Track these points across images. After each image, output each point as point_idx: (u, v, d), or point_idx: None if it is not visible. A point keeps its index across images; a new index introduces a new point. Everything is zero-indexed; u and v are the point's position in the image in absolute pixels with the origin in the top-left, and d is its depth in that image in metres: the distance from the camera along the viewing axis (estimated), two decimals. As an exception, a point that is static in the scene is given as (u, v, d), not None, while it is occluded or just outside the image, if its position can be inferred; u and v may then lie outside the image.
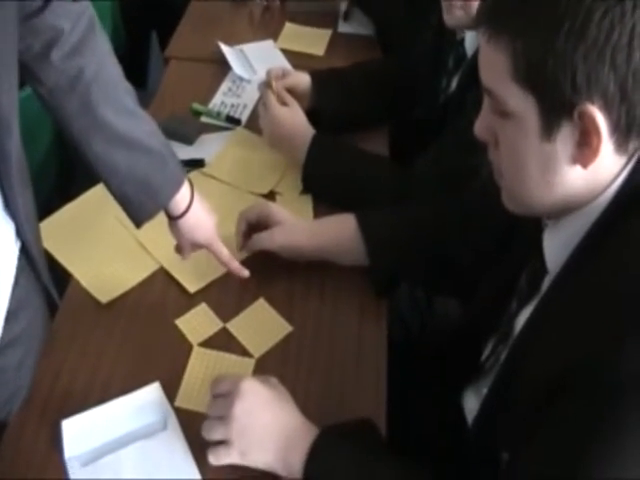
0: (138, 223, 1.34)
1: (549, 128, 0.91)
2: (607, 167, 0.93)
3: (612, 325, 0.87)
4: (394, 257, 1.45)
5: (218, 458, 1.16)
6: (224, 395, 1.17)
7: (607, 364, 0.85)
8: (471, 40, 1.59)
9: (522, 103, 0.91)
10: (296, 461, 1.12)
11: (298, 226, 1.49)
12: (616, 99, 0.86)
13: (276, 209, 1.51)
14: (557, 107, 0.89)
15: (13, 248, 1.29)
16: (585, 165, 0.91)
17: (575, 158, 0.91)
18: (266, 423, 1.15)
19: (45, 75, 1.18)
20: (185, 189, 1.35)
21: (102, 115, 1.23)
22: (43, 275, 1.37)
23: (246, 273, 1.44)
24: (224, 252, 1.43)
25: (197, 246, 1.43)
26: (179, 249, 1.44)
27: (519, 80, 0.90)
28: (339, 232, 1.48)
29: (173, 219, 1.37)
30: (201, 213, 1.39)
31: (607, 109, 0.86)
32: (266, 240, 1.47)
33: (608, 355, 0.85)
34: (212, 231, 1.42)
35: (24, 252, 1.32)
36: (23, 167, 1.24)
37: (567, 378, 0.89)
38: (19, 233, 1.28)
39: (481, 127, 1.02)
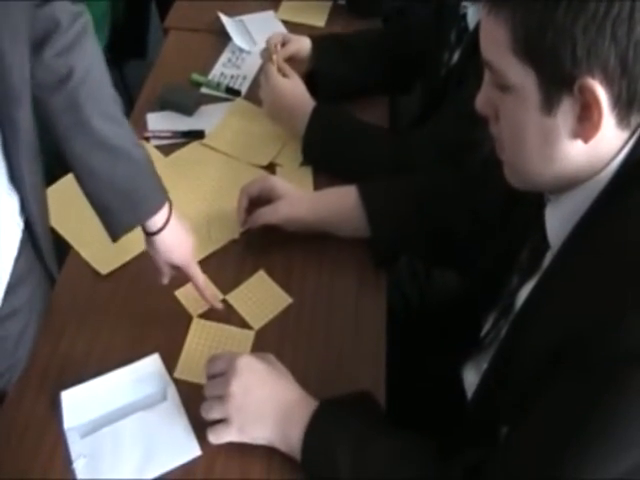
0: (114, 235, 1.29)
1: (549, 102, 0.90)
2: (609, 142, 0.92)
3: (613, 299, 0.87)
4: (395, 227, 1.45)
5: (218, 437, 1.15)
6: (220, 374, 1.17)
7: (607, 337, 0.85)
8: (473, 14, 1.58)
9: (522, 77, 0.90)
10: (295, 434, 1.12)
11: (300, 198, 1.49)
12: (617, 73, 0.85)
13: (278, 182, 1.50)
14: (557, 81, 0.88)
15: (17, 221, 1.28)
16: (586, 140, 0.90)
17: (576, 133, 0.90)
18: (264, 398, 1.15)
19: (34, 70, 1.15)
20: (166, 205, 1.31)
21: (87, 116, 1.20)
22: (46, 253, 1.36)
23: (219, 305, 1.38)
24: (200, 277, 1.37)
25: (173, 267, 1.36)
26: (158, 272, 1.37)
27: (519, 53, 0.89)
28: (341, 203, 1.48)
29: (150, 235, 1.31)
30: (179, 232, 1.34)
31: (608, 83, 0.85)
32: (270, 214, 1.47)
33: (609, 328, 0.85)
34: (189, 253, 1.36)
35: (28, 227, 1.30)
36: (32, 141, 1.22)
37: (567, 349, 0.89)
38: (24, 208, 1.27)
39: (482, 101, 1.01)
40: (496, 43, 0.91)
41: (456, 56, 1.65)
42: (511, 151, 1.00)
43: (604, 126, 0.88)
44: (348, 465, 1.09)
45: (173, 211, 1.32)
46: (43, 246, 1.34)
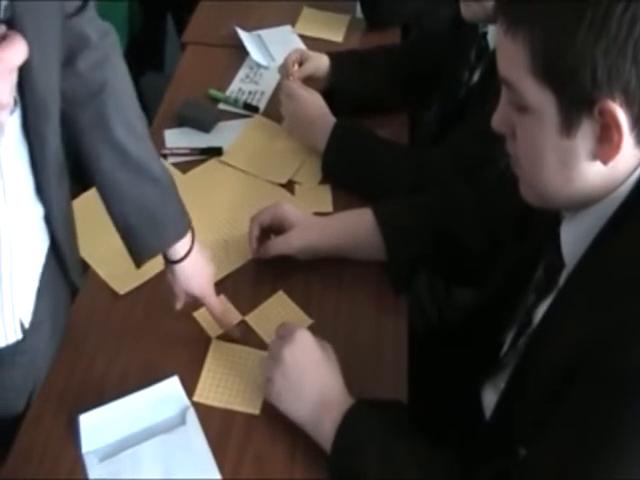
0: (139, 260, 1.28)
1: (569, 124, 0.89)
2: (626, 162, 0.91)
3: (627, 316, 0.87)
4: (412, 250, 1.44)
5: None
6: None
7: (622, 352, 0.85)
8: (493, 33, 1.57)
9: (541, 98, 0.90)
10: (327, 422, 1.15)
11: (313, 226, 1.47)
12: (637, 94, 0.84)
13: (290, 210, 1.47)
14: (577, 103, 0.87)
15: (44, 231, 1.25)
16: (605, 161, 0.90)
17: (595, 154, 0.90)
18: (308, 377, 1.19)
19: (68, 83, 1.14)
20: (189, 232, 1.29)
21: (114, 131, 1.19)
22: (70, 265, 1.33)
23: (237, 334, 1.36)
24: (217, 307, 1.35)
25: (190, 296, 1.34)
26: (174, 298, 1.35)
27: (537, 75, 0.88)
28: (356, 228, 1.46)
29: (171, 263, 1.29)
30: (199, 261, 1.32)
31: (628, 104, 0.85)
32: (282, 245, 1.45)
33: (623, 343, 0.85)
34: (208, 283, 1.34)
35: (52, 239, 1.27)
36: (59, 155, 1.20)
37: (582, 366, 0.89)
38: (49, 220, 1.24)
39: (499, 120, 1.00)
40: (514, 64, 0.91)
41: (476, 76, 1.64)
42: (528, 170, 1.00)
43: (623, 147, 0.88)
44: (375, 460, 1.11)
45: (195, 239, 1.31)
46: (68, 258, 1.32)
